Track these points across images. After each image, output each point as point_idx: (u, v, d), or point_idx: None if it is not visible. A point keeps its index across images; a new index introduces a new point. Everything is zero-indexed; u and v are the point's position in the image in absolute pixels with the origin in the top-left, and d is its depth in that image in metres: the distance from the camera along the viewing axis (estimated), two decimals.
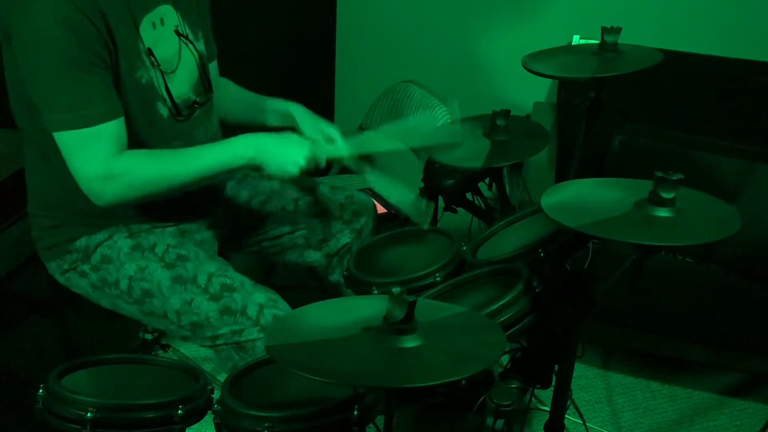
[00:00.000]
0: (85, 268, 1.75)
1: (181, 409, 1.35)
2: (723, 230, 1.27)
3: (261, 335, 1.62)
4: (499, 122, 1.84)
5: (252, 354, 1.62)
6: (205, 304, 1.65)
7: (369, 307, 1.21)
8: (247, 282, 1.69)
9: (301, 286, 2.47)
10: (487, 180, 2.18)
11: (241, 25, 2.66)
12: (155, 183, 1.63)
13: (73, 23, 1.49)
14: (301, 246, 2.03)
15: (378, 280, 1.67)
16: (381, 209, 2.48)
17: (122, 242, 1.74)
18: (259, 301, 1.64)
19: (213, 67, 1.89)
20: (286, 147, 1.67)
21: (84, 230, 1.75)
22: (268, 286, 1.72)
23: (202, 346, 1.70)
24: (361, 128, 2.91)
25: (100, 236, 1.75)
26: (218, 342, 1.65)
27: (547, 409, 1.75)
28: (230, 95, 1.97)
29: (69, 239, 1.75)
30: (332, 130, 1.79)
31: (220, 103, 1.90)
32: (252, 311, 1.63)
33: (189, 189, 1.67)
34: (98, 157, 1.56)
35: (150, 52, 1.65)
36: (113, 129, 1.57)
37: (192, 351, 2.43)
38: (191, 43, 1.77)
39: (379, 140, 1.83)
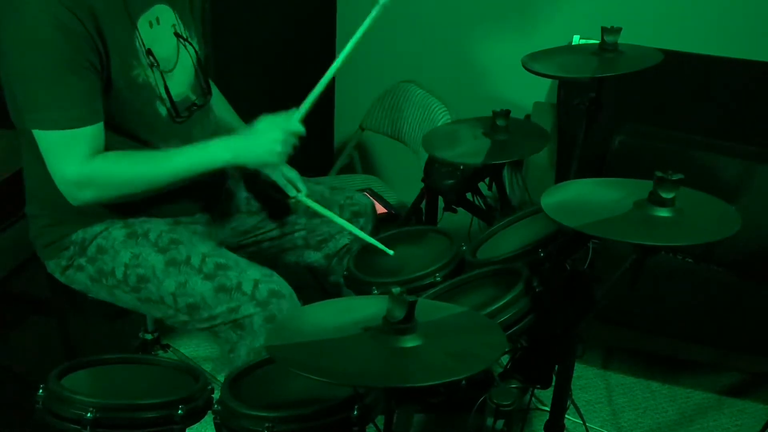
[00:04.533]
0: (82, 261, 1.76)
1: (181, 409, 1.35)
2: (723, 230, 1.28)
3: (258, 309, 1.62)
4: (499, 122, 1.84)
5: (250, 331, 1.63)
6: (200, 284, 1.65)
7: (369, 307, 1.21)
8: (242, 260, 1.70)
9: (301, 286, 2.46)
10: (487, 180, 2.18)
11: (241, 25, 2.66)
12: (129, 185, 1.64)
13: (63, 24, 1.50)
14: (301, 246, 2.03)
15: (378, 281, 1.67)
16: (381, 209, 2.48)
17: (117, 233, 1.74)
18: (254, 277, 1.65)
19: None
20: (260, 140, 1.68)
21: (80, 227, 1.75)
22: None
23: (201, 329, 1.70)
24: (361, 128, 2.92)
25: (95, 228, 1.75)
26: (216, 322, 1.66)
27: (547, 409, 1.75)
28: (219, 105, 1.98)
29: (65, 234, 1.76)
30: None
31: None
32: (247, 287, 1.63)
33: (167, 189, 1.68)
34: (73, 160, 1.58)
35: (150, 52, 1.65)
36: (90, 133, 1.58)
37: (192, 351, 2.43)
38: (188, 42, 1.77)
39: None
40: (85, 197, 1.62)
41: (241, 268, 1.67)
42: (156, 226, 1.76)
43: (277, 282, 1.67)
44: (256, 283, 1.64)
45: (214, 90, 1.97)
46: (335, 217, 1.88)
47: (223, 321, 1.65)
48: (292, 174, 1.87)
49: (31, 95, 1.55)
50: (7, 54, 1.55)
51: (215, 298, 1.64)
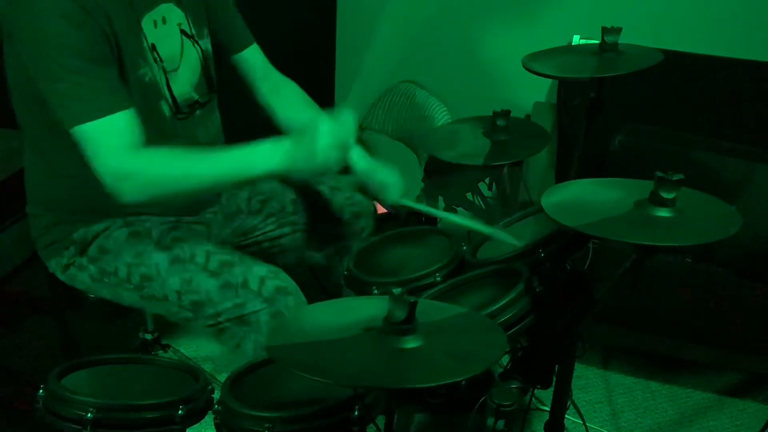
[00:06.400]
0: (84, 260, 1.76)
1: (182, 409, 1.35)
2: (723, 230, 1.28)
3: (264, 306, 1.60)
4: (499, 122, 1.85)
5: (256, 327, 1.61)
6: (205, 281, 1.64)
7: (370, 308, 1.21)
8: (246, 257, 1.69)
9: (301, 286, 2.46)
10: (487, 180, 2.18)
11: None
12: (176, 182, 1.55)
13: (76, 19, 1.49)
14: (301, 247, 2.03)
15: (378, 281, 1.67)
16: (381, 210, 2.48)
17: (118, 232, 1.74)
18: (260, 274, 1.63)
19: (251, 53, 1.89)
20: (316, 151, 1.50)
21: (81, 225, 1.75)
22: None
23: (206, 326, 1.69)
24: (361, 128, 2.92)
25: (96, 227, 1.75)
26: (221, 319, 1.64)
27: (547, 409, 1.75)
28: (291, 100, 1.91)
29: (66, 234, 1.76)
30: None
31: (274, 99, 1.89)
32: (253, 284, 1.61)
33: (214, 191, 1.64)
34: (112, 151, 1.51)
35: (153, 48, 1.65)
36: (124, 121, 1.52)
37: (192, 351, 2.43)
38: (196, 42, 1.77)
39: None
40: (129, 191, 1.52)
41: (246, 265, 1.66)
42: (157, 225, 1.75)
43: (283, 279, 1.65)
44: (262, 280, 1.62)
45: (298, 90, 1.93)
46: (442, 213, 1.85)
47: (228, 317, 1.64)
48: (390, 179, 1.71)
49: (58, 93, 1.51)
50: (24, 56, 1.53)
51: (221, 295, 1.63)
